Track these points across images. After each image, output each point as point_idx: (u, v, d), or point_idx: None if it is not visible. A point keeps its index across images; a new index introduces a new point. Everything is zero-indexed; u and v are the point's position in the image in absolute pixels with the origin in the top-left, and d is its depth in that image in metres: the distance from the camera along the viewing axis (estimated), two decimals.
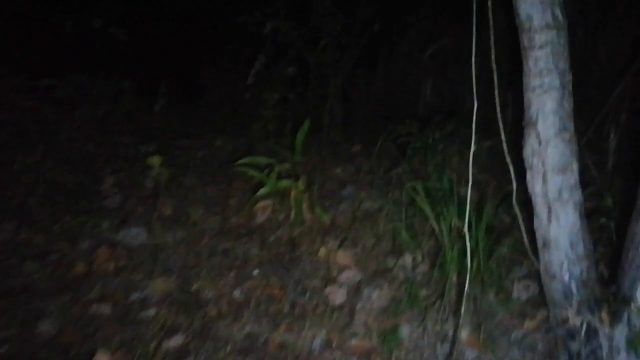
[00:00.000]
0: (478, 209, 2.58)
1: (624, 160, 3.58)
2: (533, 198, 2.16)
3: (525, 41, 2.07)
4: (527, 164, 2.15)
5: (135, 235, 3.03)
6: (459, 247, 2.58)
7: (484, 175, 3.32)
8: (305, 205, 3.19)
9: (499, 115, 2.11)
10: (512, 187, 3.28)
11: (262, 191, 3.17)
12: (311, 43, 4.23)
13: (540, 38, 2.04)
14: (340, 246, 2.96)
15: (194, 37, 4.60)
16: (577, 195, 2.10)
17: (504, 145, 2.12)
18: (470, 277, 2.15)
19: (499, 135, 3.51)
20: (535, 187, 2.13)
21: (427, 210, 2.59)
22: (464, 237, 2.60)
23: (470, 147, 3.28)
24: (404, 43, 4.87)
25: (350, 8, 4.27)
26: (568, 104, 2.07)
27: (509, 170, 3.48)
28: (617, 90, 3.65)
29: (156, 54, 4.49)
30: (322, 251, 2.91)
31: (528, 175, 2.15)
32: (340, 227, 3.14)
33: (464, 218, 2.74)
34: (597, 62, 4.44)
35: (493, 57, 2.11)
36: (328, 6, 4.17)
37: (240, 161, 3.38)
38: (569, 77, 2.07)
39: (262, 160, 3.44)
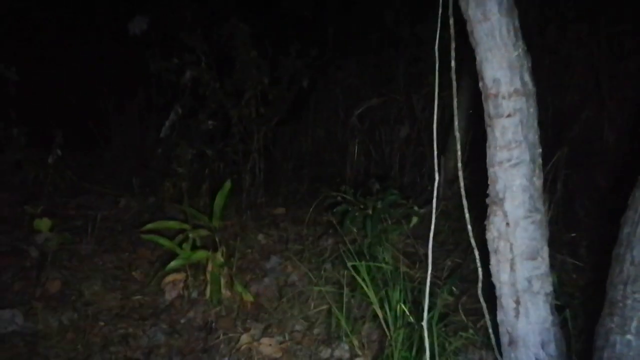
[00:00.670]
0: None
1: (560, 234, 3.46)
2: (498, 287, 1.86)
3: (491, 108, 1.81)
4: (491, 248, 1.86)
5: (8, 319, 2.42)
6: (405, 335, 2.24)
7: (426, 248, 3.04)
8: (223, 281, 2.74)
9: (462, 193, 1.82)
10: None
11: (173, 264, 2.70)
12: (234, 95, 3.85)
13: (508, 105, 1.79)
14: (264, 332, 2.52)
15: (101, 81, 4.09)
16: (548, 285, 1.83)
17: (468, 225, 1.82)
18: None
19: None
20: (501, 274, 1.84)
21: (371, 294, 2.22)
22: (410, 323, 2.27)
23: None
24: (332, 101, 4.62)
25: (277, 61, 3.96)
26: (538, 181, 1.81)
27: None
28: (553, 160, 3.55)
29: (54, 98, 3.93)
30: (244, 338, 2.46)
31: (492, 261, 1.86)
32: (264, 308, 2.70)
33: (411, 302, 2.42)
34: None
35: (456, 123, 1.83)
36: (254, 57, 3.83)
37: (147, 226, 2.90)
38: (539, 149, 1.82)
39: (174, 225, 2.98)
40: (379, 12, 4.70)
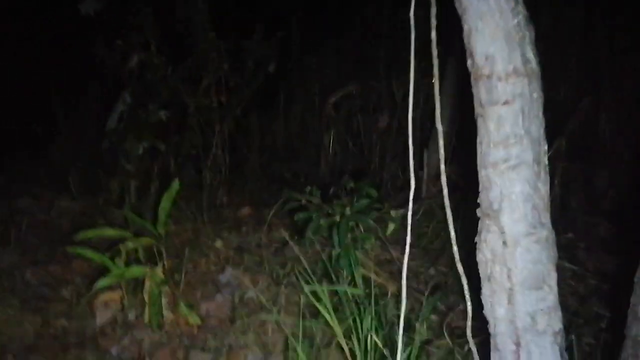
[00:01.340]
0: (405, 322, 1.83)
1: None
2: (492, 324, 1.45)
3: (482, 93, 1.39)
4: (483, 273, 1.44)
5: None
6: None
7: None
8: (165, 301, 2.30)
9: (446, 201, 1.40)
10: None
11: (102, 282, 2.25)
12: (190, 82, 3.40)
13: (505, 89, 1.36)
14: None
15: (37, 67, 3.63)
16: (557, 322, 1.42)
17: (455, 249, 1.40)
18: None
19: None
20: (497, 308, 1.43)
21: (334, 325, 1.81)
22: (384, 356, 1.87)
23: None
24: (306, 88, 4.18)
25: (240, 43, 3.50)
26: (544, 187, 1.40)
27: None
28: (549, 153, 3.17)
29: None
30: None
31: (485, 290, 1.45)
32: (213, 332, 2.28)
33: (385, 327, 2.02)
34: None
35: (438, 113, 1.40)
36: (212, 39, 3.37)
37: (79, 235, 2.45)
38: (544, 146, 1.41)
39: (112, 233, 2.53)
40: None
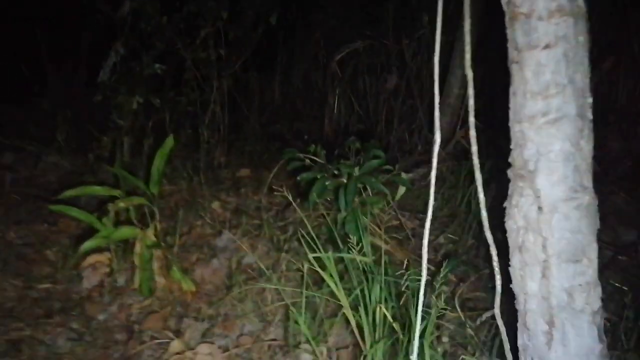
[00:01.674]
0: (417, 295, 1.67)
1: None
2: (522, 300, 1.29)
3: (519, 36, 1.20)
4: (513, 243, 1.27)
5: None
6: (386, 349, 1.68)
7: (418, 222, 2.48)
8: (157, 266, 2.14)
9: (475, 159, 1.21)
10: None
11: (88, 243, 2.08)
12: (187, 33, 3.17)
13: (547, 30, 1.17)
14: (204, 334, 1.95)
15: (25, 15, 3.41)
16: (597, 299, 1.25)
17: (484, 215, 1.21)
18: None
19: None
20: (528, 283, 1.26)
21: (340, 295, 1.65)
22: (394, 330, 1.71)
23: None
24: (311, 44, 3.95)
25: None
26: (587, 146, 1.22)
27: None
28: None
29: None
30: (174, 346, 1.88)
31: (514, 262, 1.28)
32: (208, 300, 2.13)
33: (395, 297, 1.86)
34: None
35: (468, 57, 1.20)
36: None
37: (65, 193, 2.27)
38: (589, 98, 1.22)
39: (101, 191, 2.35)
40: None
